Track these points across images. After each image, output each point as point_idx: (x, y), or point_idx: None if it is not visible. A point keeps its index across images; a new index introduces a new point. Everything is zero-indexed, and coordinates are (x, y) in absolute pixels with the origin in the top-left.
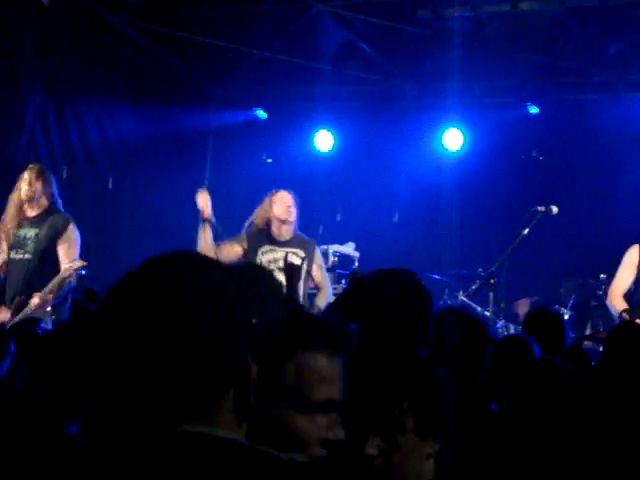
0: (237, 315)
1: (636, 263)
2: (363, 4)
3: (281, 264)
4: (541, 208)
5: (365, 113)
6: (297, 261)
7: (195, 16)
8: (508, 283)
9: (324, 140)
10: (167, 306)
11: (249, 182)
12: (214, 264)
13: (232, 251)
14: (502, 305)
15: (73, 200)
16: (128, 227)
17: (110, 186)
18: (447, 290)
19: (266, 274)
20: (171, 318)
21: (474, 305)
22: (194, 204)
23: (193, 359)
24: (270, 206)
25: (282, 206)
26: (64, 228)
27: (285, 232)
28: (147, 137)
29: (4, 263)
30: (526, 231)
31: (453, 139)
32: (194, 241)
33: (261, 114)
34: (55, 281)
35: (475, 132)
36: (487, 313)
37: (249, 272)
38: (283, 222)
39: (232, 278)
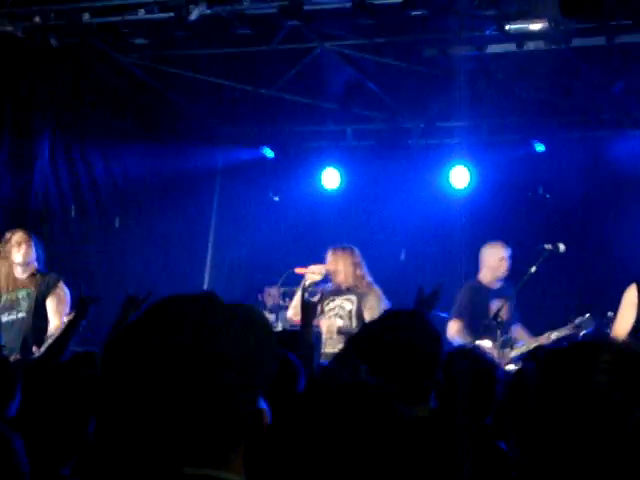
0: (252, 363)
1: (636, 302)
2: (369, 44)
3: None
4: (548, 246)
5: (372, 151)
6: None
7: (202, 56)
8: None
9: (331, 178)
10: (180, 351)
11: (256, 220)
12: (227, 310)
13: None
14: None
15: (81, 238)
16: (135, 265)
17: (117, 225)
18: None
19: (262, 317)
20: (184, 364)
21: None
22: (198, 242)
23: (205, 406)
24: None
25: None
26: (54, 286)
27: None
28: (154, 176)
29: None
30: (533, 269)
31: (460, 177)
32: (200, 280)
33: (268, 153)
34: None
35: (482, 170)
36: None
37: (251, 316)
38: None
39: (246, 325)
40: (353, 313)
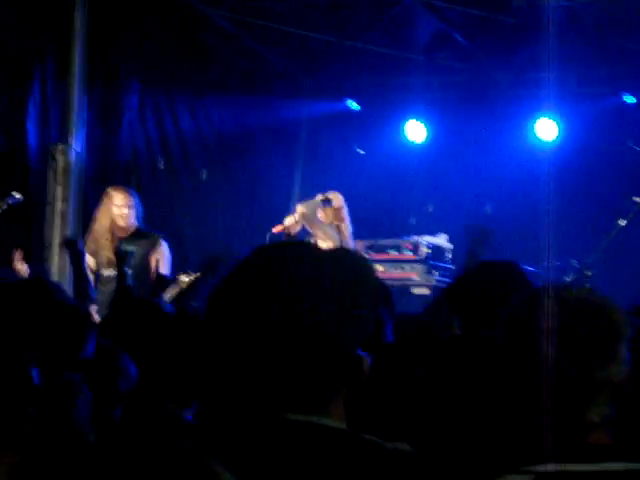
0: (349, 307)
1: None
2: None
3: None
4: (638, 199)
5: (458, 103)
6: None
7: (287, 8)
8: (603, 275)
9: (416, 131)
10: (281, 299)
11: (341, 173)
12: (324, 255)
13: None
14: None
15: (168, 190)
16: (221, 218)
17: (204, 177)
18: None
19: (364, 261)
20: (285, 311)
21: None
22: (282, 195)
23: (307, 352)
24: None
25: None
26: (156, 245)
27: None
28: (240, 128)
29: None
30: (623, 222)
31: (547, 129)
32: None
33: (353, 105)
34: (173, 290)
35: (570, 122)
36: None
37: (349, 260)
38: None
39: (341, 268)
40: None
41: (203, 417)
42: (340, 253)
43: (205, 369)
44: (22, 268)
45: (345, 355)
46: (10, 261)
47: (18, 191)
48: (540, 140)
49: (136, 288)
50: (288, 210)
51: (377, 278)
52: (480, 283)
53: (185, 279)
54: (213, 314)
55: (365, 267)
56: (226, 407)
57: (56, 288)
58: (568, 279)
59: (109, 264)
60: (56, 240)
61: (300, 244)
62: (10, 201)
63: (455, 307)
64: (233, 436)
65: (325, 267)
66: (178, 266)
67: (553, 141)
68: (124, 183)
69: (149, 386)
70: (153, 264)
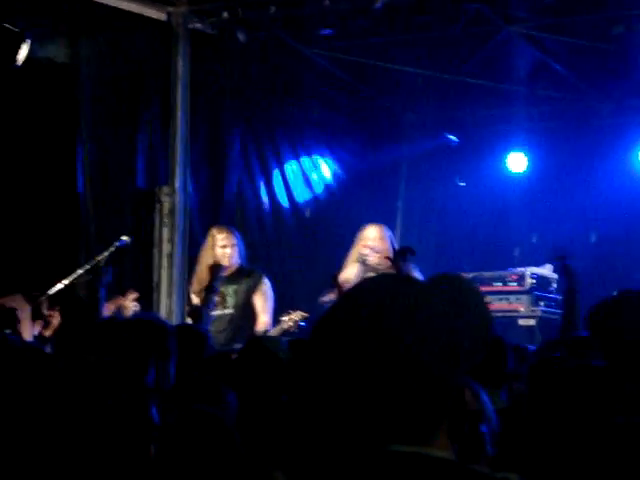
0: (451, 339)
1: None
2: (554, 24)
3: None
4: None
5: (559, 133)
6: None
7: (384, 43)
8: None
9: (517, 161)
10: (384, 331)
11: (443, 207)
12: (427, 285)
13: None
14: None
15: (274, 229)
16: (325, 255)
17: (308, 215)
18: None
19: (470, 287)
20: (388, 344)
21: None
22: (390, 229)
23: (410, 384)
24: None
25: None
26: (259, 282)
27: None
28: (343, 166)
29: None
30: None
31: None
32: None
33: (453, 138)
34: (275, 331)
35: None
36: None
37: (454, 289)
38: None
39: (446, 298)
40: None
41: (305, 452)
42: (444, 281)
43: (307, 403)
44: (130, 306)
45: (448, 386)
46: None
47: (127, 234)
48: None
49: (238, 324)
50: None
51: (485, 305)
52: (626, 311)
53: (286, 319)
54: (317, 346)
55: (471, 295)
56: (330, 441)
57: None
58: None
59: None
60: (163, 281)
61: (400, 277)
62: (118, 244)
63: (597, 334)
64: (338, 469)
65: (428, 298)
66: (285, 305)
67: None
68: (229, 223)
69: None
70: (255, 301)
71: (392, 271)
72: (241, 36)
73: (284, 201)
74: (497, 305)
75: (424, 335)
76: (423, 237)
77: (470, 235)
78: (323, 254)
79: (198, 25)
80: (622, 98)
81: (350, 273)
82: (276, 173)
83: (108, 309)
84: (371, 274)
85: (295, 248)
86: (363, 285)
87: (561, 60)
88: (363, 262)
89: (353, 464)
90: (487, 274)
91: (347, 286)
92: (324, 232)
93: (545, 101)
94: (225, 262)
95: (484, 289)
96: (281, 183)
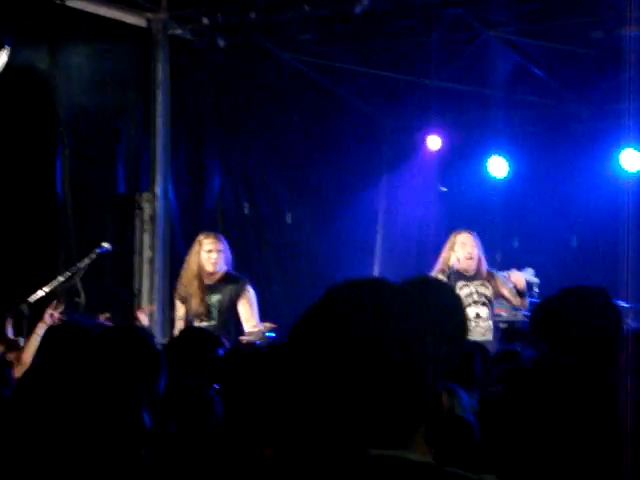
0: (428, 342)
1: None
2: (534, 29)
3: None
4: None
5: (539, 137)
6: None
7: (364, 48)
8: None
9: (498, 166)
10: (362, 336)
11: (424, 211)
12: (404, 289)
13: None
14: None
15: (255, 234)
16: (305, 263)
17: (289, 221)
18: (632, 315)
19: (447, 292)
20: (367, 348)
21: None
22: (371, 233)
23: (386, 388)
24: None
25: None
26: (243, 290)
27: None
28: (322, 170)
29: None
30: None
31: (631, 160)
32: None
33: (434, 142)
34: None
35: None
36: None
37: (431, 293)
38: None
39: (423, 302)
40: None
41: (284, 454)
42: (421, 286)
43: (286, 405)
44: (144, 319)
45: (425, 390)
46: (102, 310)
47: (107, 241)
48: (625, 171)
49: (222, 331)
50: (372, 252)
51: (461, 308)
52: (567, 308)
53: (254, 330)
54: (294, 351)
55: (448, 298)
56: (308, 445)
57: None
58: None
59: (196, 316)
60: (145, 288)
61: (377, 280)
62: (99, 251)
63: (540, 332)
64: (316, 473)
65: (406, 301)
66: (265, 310)
67: (638, 171)
68: (211, 229)
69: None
70: (240, 309)
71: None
72: (221, 42)
73: (266, 207)
74: None
75: (401, 338)
76: (405, 242)
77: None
78: (304, 260)
79: (178, 31)
80: (601, 102)
81: None
82: (257, 179)
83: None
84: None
85: (276, 254)
86: (341, 289)
87: (541, 65)
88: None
89: (333, 468)
90: None
91: None
92: (305, 238)
93: (525, 106)
94: (209, 267)
95: None
96: (262, 189)
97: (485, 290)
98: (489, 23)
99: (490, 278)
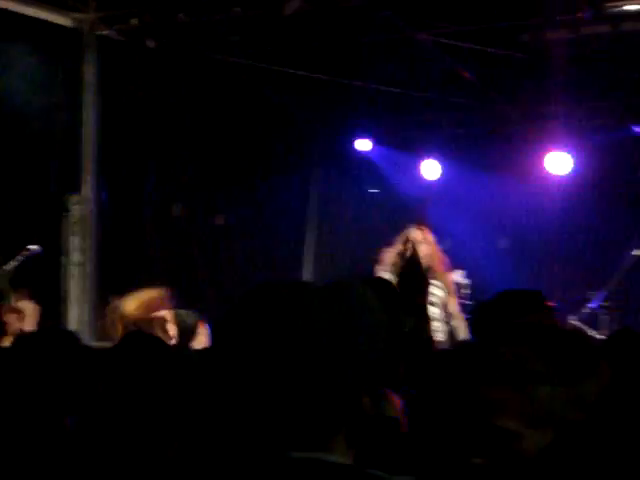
0: (346, 346)
1: None
2: (464, 32)
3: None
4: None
5: (470, 140)
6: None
7: (294, 50)
8: (623, 305)
9: (430, 169)
10: (279, 339)
11: (356, 214)
12: (320, 295)
13: None
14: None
15: (185, 236)
16: (239, 264)
17: (220, 221)
18: (557, 315)
19: (366, 292)
20: (283, 353)
21: (587, 329)
22: (300, 235)
23: (307, 391)
24: None
25: None
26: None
27: None
28: (250, 169)
29: None
30: (637, 252)
31: (559, 163)
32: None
33: (364, 145)
34: None
35: (579, 155)
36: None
37: (350, 296)
38: None
39: (341, 306)
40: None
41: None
42: (341, 288)
43: (205, 407)
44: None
45: (345, 393)
46: None
47: (35, 243)
48: (551, 174)
49: None
50: (301, 252)
51: (381, 311)
52: (504, 310)
53: None
54: (215, 354)
55: (367, 301)
56: (228, 446)
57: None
58: (587, 310)
59: None
60: (73, 291)
61: (299, 282)
62: (27, 253)
63: (479, 334)
64: (237, 475)
65: (323, 305)
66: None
67: (564, 174)
68: (142, 231)
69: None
70: None
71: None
72: (150, 43)
73: (196, 208)
74: None
75: (318, 341)
76: (337, 245)
77: (384, 242)
78: (238, 261)
79: (106, 32)
80: (530, 105)
81: None
82: (187, 179)
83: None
84: None
85: (207, 255)
86: (259, 291)
87: (470, 67)
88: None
89: (254, 470)
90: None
91: None
92: (236, 239)
93: (455, 108)
94: None
95: None
96: (193, 190)
97: (436, 290)
98: (419, 26)
99: (446, 278)
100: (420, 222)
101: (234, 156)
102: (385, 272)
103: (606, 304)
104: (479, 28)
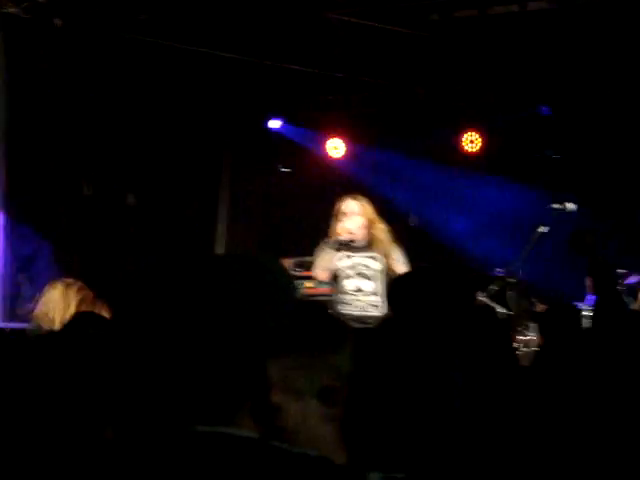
0: (249, 319)
1: None
2: (373, 10)
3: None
4: (556, 205)
5: (378, 119)
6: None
7: (203, 29)
8: (529, 282)
9: (335, 147)
10: (181, 312)
11: (267, 192)
12: (226, 265)
13: None
14: (524, 305)
15: (95, 215)
16: (146, 241)
17: (131, 201)
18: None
19: (271, 266)
20: (187, 326)
21: (495, 305)
22: (212, 216)
23: (209, 363)
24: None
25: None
26: None
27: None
28: (160, 152)
29: None
30: (542, 229)
31: (470, 142)
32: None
33: (274, 124)
34: None
35: (489, 133)
36: (510, 313)
37: (254, 267)
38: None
39: (245, 280)
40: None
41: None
42: (242, 262)
43: (113, 385)
44: None
45: (249, 366)
46: None
47: None
48: (462, 152)
49: None
50: (215, 232)
51: (288, 285)
52: (417, 284)
53: None
54: (124, 325)
55: (271, 274)
56: (135, 420)
57: None
58: (493, 287)
59: None
60: None
61: (203, 259)
62: None
63: (395, 306)
64: (146, 450)
65: (227, 279)
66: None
67: (474, 152)
68: (50, 211)
69: None
70: None
71: None
72: (58, 21)
73: (106, 187)
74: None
75: (221, 314)
76: (250, 224)
77: (294, 220)
78: (146, 240)
79: (12, 9)
80: (439, 83)
81: None
82: (97, 158)
83: None
84: None
85: (118, 236)
86: (163, 267)
87: (378, 46)
88: None
89: (161, 445)
90: (310, 259)
91: None
92: (148, 221)
93: (363, 87)
94: None
95: (308, 273)
96: (103, 169)
97: (373, 263)
98: (328, 4)
99: (387, 252)
100: (355, 192)
101: (145, 135)
102: (328, 246)
103: (512, 280)
104: (389, 7)
